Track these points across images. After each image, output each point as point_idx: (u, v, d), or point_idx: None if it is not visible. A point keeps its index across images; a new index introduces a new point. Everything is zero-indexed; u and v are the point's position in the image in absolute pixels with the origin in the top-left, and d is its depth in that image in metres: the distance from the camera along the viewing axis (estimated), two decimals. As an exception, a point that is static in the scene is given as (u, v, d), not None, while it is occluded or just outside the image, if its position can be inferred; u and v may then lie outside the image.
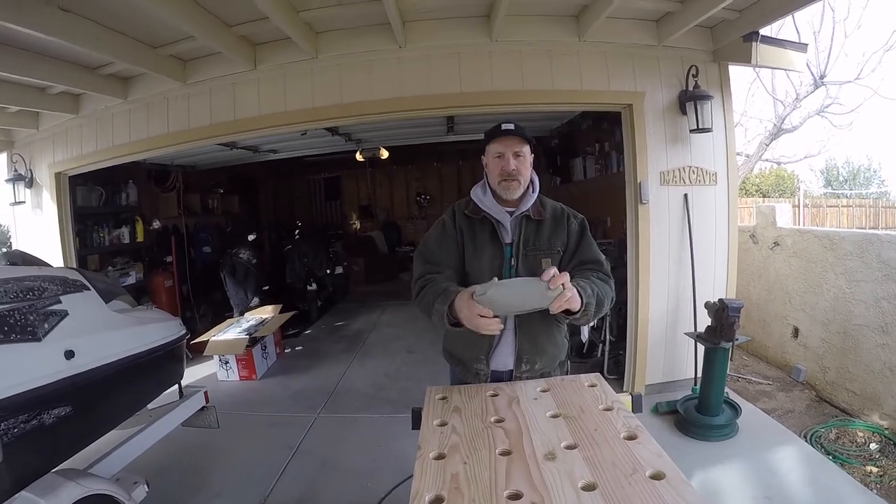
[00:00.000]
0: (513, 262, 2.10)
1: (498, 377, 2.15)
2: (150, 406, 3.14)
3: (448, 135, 6.95)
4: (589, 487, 1.24)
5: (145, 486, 2.67)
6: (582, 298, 1.82)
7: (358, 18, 3.90)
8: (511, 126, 2.10)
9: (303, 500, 3.30)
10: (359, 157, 8.40)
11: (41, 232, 5.16)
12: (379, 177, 12.65)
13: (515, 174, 2.07)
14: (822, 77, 9.65)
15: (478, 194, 2.19)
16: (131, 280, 6.37)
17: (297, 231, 9.00)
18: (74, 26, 3.28)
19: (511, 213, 2.13)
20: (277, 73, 4.22)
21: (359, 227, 12.61)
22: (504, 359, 2.14)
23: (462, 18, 3.99)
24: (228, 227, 8.99)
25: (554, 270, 1.74)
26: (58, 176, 5.07)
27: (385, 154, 8.53)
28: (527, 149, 2.12)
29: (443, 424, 1.62)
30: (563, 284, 1.72)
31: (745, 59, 4.15)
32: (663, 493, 1.20)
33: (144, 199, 7.06)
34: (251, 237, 7.66)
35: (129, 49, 3.76)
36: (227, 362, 5.53)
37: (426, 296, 1.98)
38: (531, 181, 2.17)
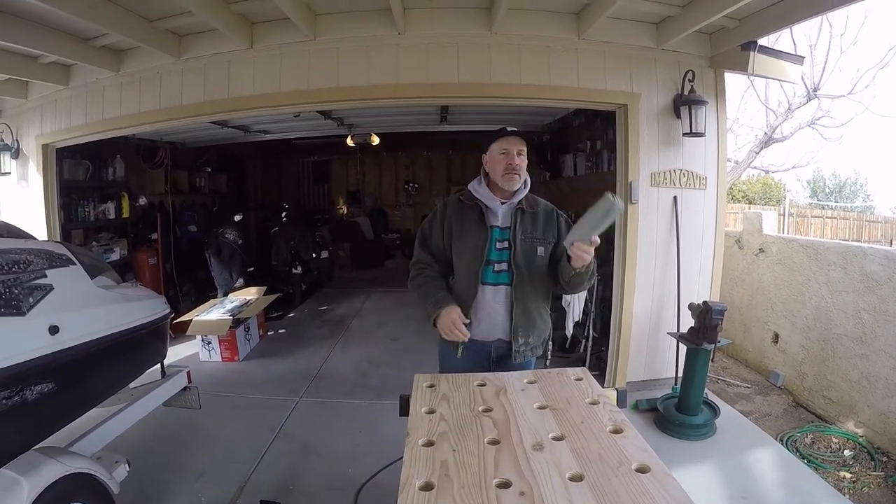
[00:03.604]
0: (500, 245, 2.40)
1: (484, 348, 2.47)
2: (131, 385, 3.12)
3: (441, 124, 6.93)
4: (576, 478, 1.26)
5: (126, 466, 2.66)
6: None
7: (359, 2, 3.89)
8: (515, 129, 2.46)
9: (284, 484, 3.30)
10: (350, 142, 8.38)
11: (26, 204, 5.08)
12: (368, 163, 12.56)
13: (518, 168, 2.37)
14: (815, 90, 9.73)
15: (474, 185, 2.51)
16: (115, 256, 6.30)
17: (284, 213, 8.93)
18: (70, -6, 3.20)
19: (502, 203, 2.44)
20: (274, 54, 4.18)
21: (346, 212, 12.52)
22: (493, 329, 2.44)
23: (463, 9, 3.98)
24: (215, 206, 8.91)
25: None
26: (45, 148, 4.98)
27: (376, 140, 8.51)
28: (525, 148, 2.43)
29: (431, 412, 1.63)
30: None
31: (742, 67, 4.16)
32: (648, 487, 1.22)
33: (131, 175, 6.99)
34: (238, 217, 7.59)
35: (124, 21, 3.69)
36: (209, 343, 5.51)
37: (420, 288, 2.46)
38: (525, 180, 2.47)
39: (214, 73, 4.31)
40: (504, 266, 2.39)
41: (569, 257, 2.16)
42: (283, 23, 3.90)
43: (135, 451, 3.19)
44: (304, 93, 4.19)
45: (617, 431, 1.49)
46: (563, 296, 4.94)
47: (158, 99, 4.46)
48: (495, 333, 2.44)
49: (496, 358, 2.49)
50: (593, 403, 1.67)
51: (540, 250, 2.41)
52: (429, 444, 1.44)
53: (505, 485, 1.24)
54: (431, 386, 1.83)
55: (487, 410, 1.63)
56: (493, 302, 2.41)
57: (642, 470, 1.29)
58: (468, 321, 2.35)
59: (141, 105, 4.51)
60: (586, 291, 4.91)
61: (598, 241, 2.12)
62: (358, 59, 4.10)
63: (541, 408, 1.65)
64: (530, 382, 1.84)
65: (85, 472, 2.28)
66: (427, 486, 1.25)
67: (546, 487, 1.22)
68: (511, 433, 1.48)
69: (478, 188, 2.48)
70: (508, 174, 2.37)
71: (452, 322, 2.29)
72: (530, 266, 2.40)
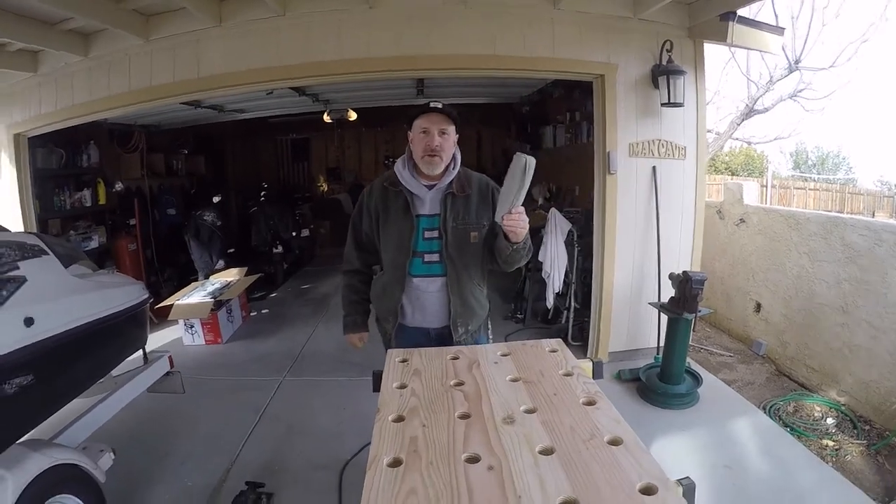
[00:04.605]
0: (428, 234, 2.27)
1: (420, 332, 2.39)
2: (114, 373, 3.09)
3: (418, 97, 6.82)
4: (546, 452, 1.24)
5: (111, 454, 2.65)
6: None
7: (329, -26, 3.80)
8: (439, 105, 2.21)
9: (270, 464, 3.30)
10: (326, 118, 8.27)
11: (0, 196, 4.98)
12: (347, 139, 12.29)
13: (438, 150, 2.19)
14: (797, 62, 9.72)
15: (398, 167, 2.32)
16: (94, 244, 6.21)
17: (262, 193, 8.87)
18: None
19: (429, 188, 2.28)
20: (243, 30, 4.09)
21: (326, 189, 12.32)
22: (429, 319, 2.37)
23: (436, -21, 3.92)
24: (193, 188, 8.82)
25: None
26: (17, 137, 4.85)
27: (353, 116, 8.40)
28: (452, 128, 2.24)
29: (402, 387, 1.61)
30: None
31: (721, 37, 4.15)
32: (620, 459, 1.20)
33: (106, 161, 6.85)
34: (216, 199, 7.51)
35: (90, 3, 3.60)
36: (192, 326, 5.47)
37: (343, 297, 2.58)
38: (453, 157, 2.30)
39: (183, 52, 4.21)
40: (435, 257, 2.28)
41: (505, 234, 2.07)
42: (251, -2, 3.81)
43: (120, 439, 3.17)
44: (275, 69, 4.12)
45: (590, 403, 1.47)
46: (544, 267, 4.96)
47: (128, 81, 4.36)
48: (432, 323, 2.37)
49: (435, 336, 2.38)
50: (567, 375, 1.65)
51: (473, 235, 2.28)
52: (399, 419, 1.42)
53: (474, 459, 1.22)
54: (404, 361, 1.80)
55: (459, 384, 1.61)
56: (426, 292, 2.32)
57: (615, 442, 1.27)
58: (361, 345, 2.60)
59: (111, 88, 4.41)
60: (566, 262, 4.95)
61: (523, 208, 2.01)
62: (328, 33, 4.02)
63: (513, 380, 1.63)
64: (504, 355, 1.82)
65: (70, 464, 2.27)
66: (395, 463, 1.23)
67: (515, 461, 1.20)
68: (482, 407, 1.46)
69: (402, 172, 2.30)
70: (428, 157, 2.19)
71: (352, 344, 2.58)
72: (463, 254, 2.28)
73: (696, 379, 4.06)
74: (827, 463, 3.33)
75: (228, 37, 4.13)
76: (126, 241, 6.70)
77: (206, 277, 6.67)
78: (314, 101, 7.14)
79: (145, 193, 7.50)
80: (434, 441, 1.31)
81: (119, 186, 6.87)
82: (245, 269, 6.67)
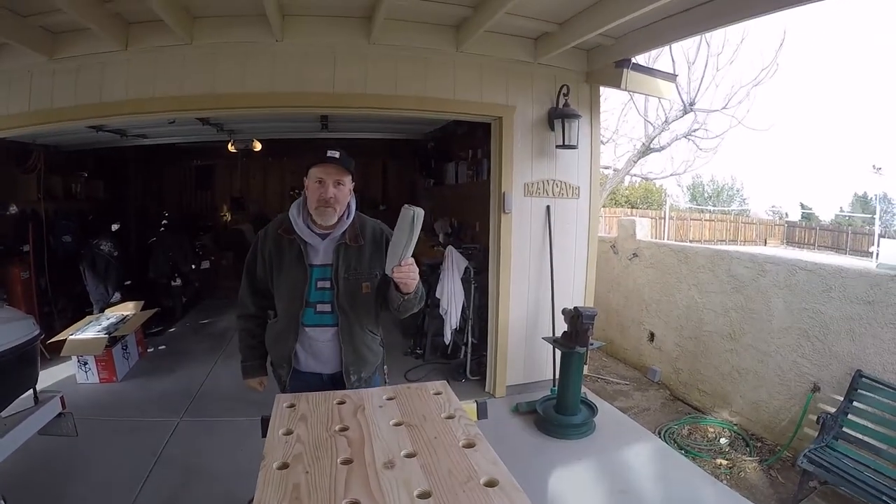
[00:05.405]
0: (321, 284, 2.27)
1: (318, 378, 2.39)
2: (2, 414, 2.94)
3: (322, 132, 6.96)
4: (424, 495, 1.28)
5: (2, 502, 2.51)
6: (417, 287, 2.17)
7: (237, 6, 3.80)
8: (336, 154, 2.21)
9: (168, 510, 3.18)
10: (231, 148, 8.16)
11: None
12: (252, 168, 11.99)
13: (332, 202, 2.20)
14: (691, 104, 10.28)
15: (293, 214, 2.31)
16: (-17, 272, 5.83)
17: (164, 221, 8.53)
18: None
19: (323, 237, 2.28)
20: (149, 57, 4.01)
21: (229, 219, 11.93)
22: (322, 366, 2.38)
23: (342, 18, 4.00)
24: (91, 214, 8.35)
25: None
26: None
27: (258, 146, 8.34)
28: (348, 178, 2.26)
29: (288, 433, 1.62)
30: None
31: (616, 83, 4.42)
32: (495, 500, 1.25)
33: (0, 181, 6.47)
34: (114, 227, 7.25)
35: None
36: (85, 363, 5.18)
37: (240, 341, 2.59)
38: (348, 206, 2.31)
39: (87, 74, 4.08)
40: (327, 307, 2.29)
41: (396, 286, 2.09)
42: (159, 24, 3.74)
43: (11, 484, 3.04)
44: (179, 99, 4.05)
45: (469, 446, 1.53)
46: (441, 303, 5.06)
47: (28, 101, 4.16)
48: (325, 369, 2.38)
49: (329, 381, 2.39)
50: (449, 418, 1.71)
51: (365, 286, 2.29)
52: (283, 466, 1.44)
53: (353, 505, 1.26)
54: (291, 406, 1.82)
55: (344, 429, 1.64)
56: (318, 341, 2.33)
57: (490, 484, 1.32)
58: (262, 388, 2.60)
59: (9, 107, 4.20)
60: (463, 298, 5.08)
61: (413, 259, 2.05)
62: (234, 65, 4.02)
63: (397, 424, 1.67)
64: (389, 398, 1.86)
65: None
66: (277, 511, 1.25)
67: (393, 506, 1.24)
68: (365, 452, 1.49)
69: (297, 220, 2.29)
70: (321, 208, 2.20)
71: (252, 388, 2.61)
72: (355, 305, 2.30)
73: (592, 409, 4.21)
74: (721, 481, 3.54)
75: (134, 62, 4.04)
76: (19, 269, 6.29)
77: (102, 311, 6.35)
78: (218, 131, 7.09)
79: (41, 217, 7.09)
80: (316, 488, 1.33)
81: (13, 209, 6.48)
82: (142, 302, 6.40)
